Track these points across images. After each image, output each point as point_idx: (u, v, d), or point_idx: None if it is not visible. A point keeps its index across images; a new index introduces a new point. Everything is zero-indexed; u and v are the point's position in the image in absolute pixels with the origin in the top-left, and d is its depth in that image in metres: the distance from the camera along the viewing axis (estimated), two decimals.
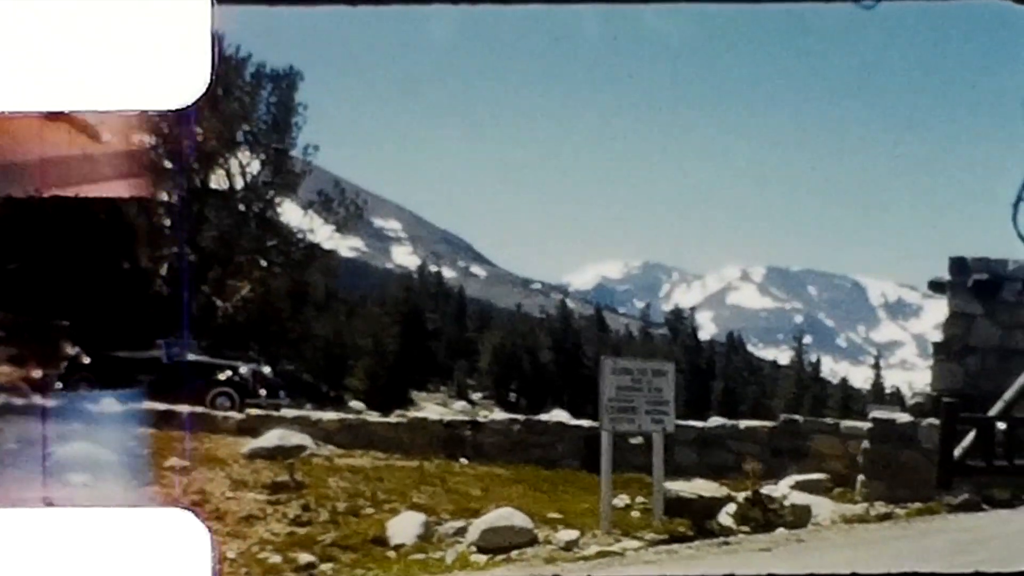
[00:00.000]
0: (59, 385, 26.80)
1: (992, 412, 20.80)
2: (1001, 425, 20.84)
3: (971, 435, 20.06)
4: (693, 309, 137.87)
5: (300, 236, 44.75)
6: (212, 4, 2.26)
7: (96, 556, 2.34)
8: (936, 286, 24.54)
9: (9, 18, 2.24)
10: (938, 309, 25.20)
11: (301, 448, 19.32)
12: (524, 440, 22.48)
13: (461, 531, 15.05)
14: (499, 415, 29.40)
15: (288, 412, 24.86)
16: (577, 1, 2.54)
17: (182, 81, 2.27)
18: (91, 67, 2.26)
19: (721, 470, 20.53)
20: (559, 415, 27.16)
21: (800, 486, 18.97)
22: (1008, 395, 21.21)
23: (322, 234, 45.52)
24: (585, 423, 22.80)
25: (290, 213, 45.64)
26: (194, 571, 2.35)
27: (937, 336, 24.72)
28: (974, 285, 23.11)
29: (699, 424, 23.43)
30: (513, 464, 21.28)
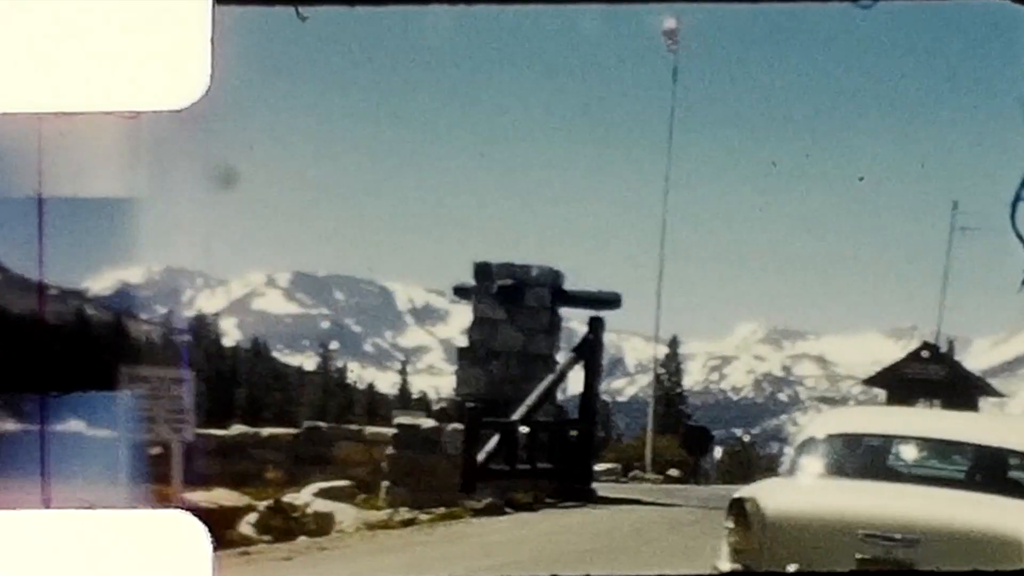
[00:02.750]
0: None
1: (515, 416, 21.95)
2: (524, 429, 22.09)
3: (494, 439, 21.10)
4: (217, 315, 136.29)
5: None
6: (212, 5, 2.30)
7: (96, 558, 2.39)
8: (461, 291, 25.52)
9: (10, 18, 2.25)
10: (464, 314, 26.13)
11: None
12: None
13: None
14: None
15: None
16: (578, 1, 2.52)
17: (183, 82, 2.32)
18: (92, 68, 2.29)
19: (244, 479, 20.35)
20: (76, 426, 25.92)
21: (323, 493, 19.15)
22: (530, 399, 22.47)
23: None
24: (103, 433, 21.87)
25: None
26: (194, 572, 2.42)
27: (462, 341, 25.68)
28: (498, 291, 24.17)
29: (220, 432, 23.13)
30: None
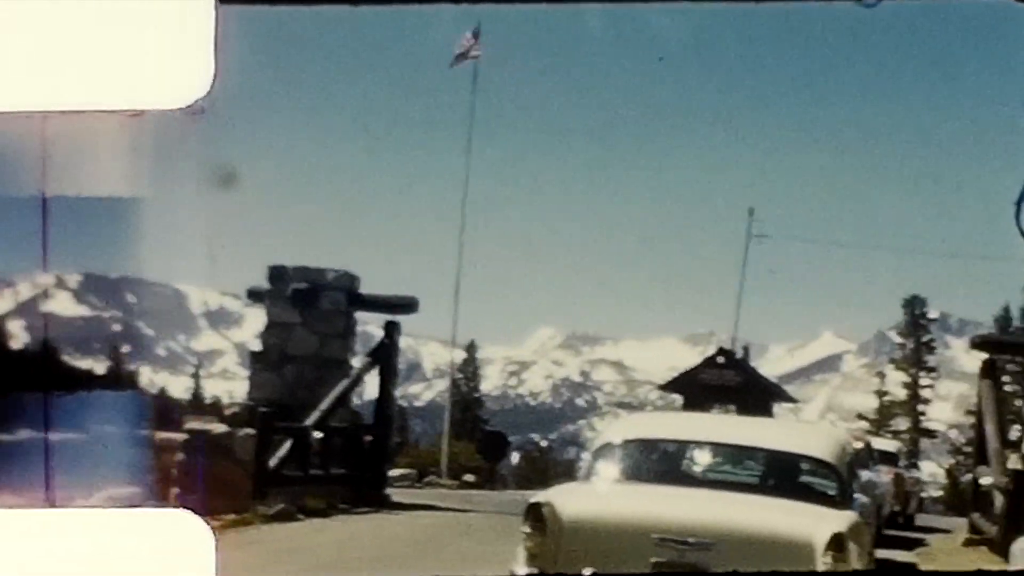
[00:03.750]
0: None
1: (308, 421, 21.74)
2: (317, 434, 21.90)
3: (287, 445, 20.85)
4: (4, 317, 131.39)
5: None
6: (216, 4, 2.34)
7: (101, 556, 2.41)
8: (255, 295, 25.17)
9: (14, 18, 2.27)
10: (259, 318, 25.80)
11: None
12: None
13: None
14: None
15: None
16: (578, 1, 2.51)
17: (186, 80, 2.36)
18: (96, 67, 2.30)
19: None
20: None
21: (111, 500, 18.57)
22: (324, 404, 22.29)
23: None
24: None
25: None
26: (198, 571, 2.49)
27: (256, 345, 25.32)
28: (293, 294, 23.92)
29: (6, 438, 22.23)
30: None
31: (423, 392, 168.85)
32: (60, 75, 2.34)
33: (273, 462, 20.25)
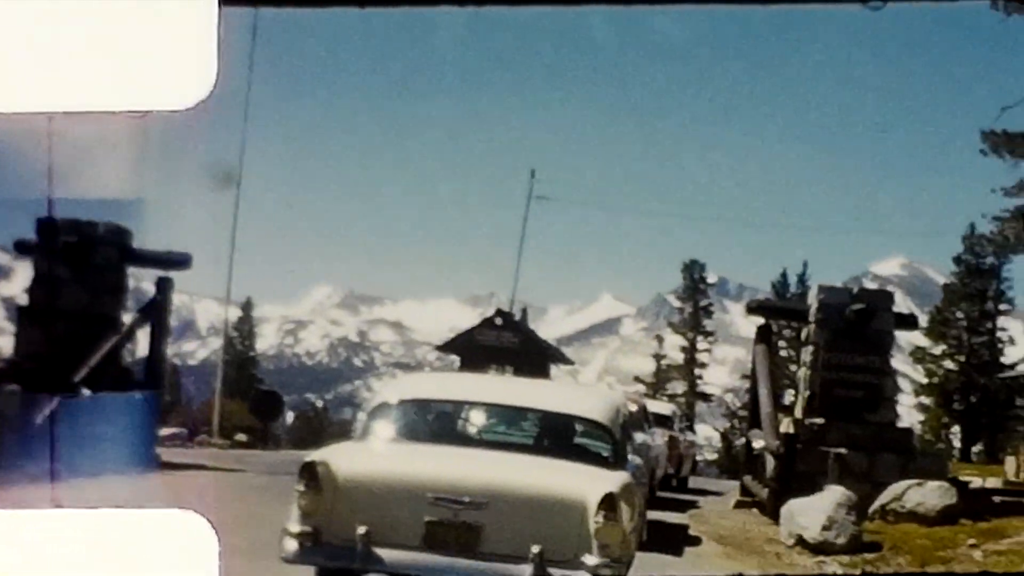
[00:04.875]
0: None
1: (76, 378, 21.30)
2: (86, 392, 21.45)
3: (54, 402, 20.37)
4: None
5: None
6: (219, 6, 2.37)
7: (103, 556, 2.47)
8: (23, 247, 24.44)
9: (18, 19, 2.30)
10: (27, 272, 25.11)
11: None
12: None
13: None
14: None
15: None
16: (581, 2, 2.53)
17: (189, 81, 2.40)
18: (100, 68, 2.34)
19: None
20: None
21: None
22: (93, 361, 21.86)
23: None
24: None
25: None
26: (201, 571, 2.53)
27: (24, 300, 24.65)
28: (63, 248, 23.34)
29: None
30: None
31: (197, 350, 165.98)
32: (64, 76, 2.37)
33: (39, 420, 19.81)
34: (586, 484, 9.95)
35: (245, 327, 69.21)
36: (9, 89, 2.31)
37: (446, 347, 41.85)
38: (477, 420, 11.55)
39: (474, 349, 37.08)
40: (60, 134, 2.62)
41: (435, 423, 11.31)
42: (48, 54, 2.35)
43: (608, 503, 9.72)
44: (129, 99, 2.38)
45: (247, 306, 70.94)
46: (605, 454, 10.97)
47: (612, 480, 10.20)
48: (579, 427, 11.41)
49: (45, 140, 2.64)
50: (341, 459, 10.10)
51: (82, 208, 22.58)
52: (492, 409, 11.58)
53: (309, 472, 9.78)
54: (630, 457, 11.85)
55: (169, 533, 2.55)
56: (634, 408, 20.98)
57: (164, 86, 2.40)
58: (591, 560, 9.51)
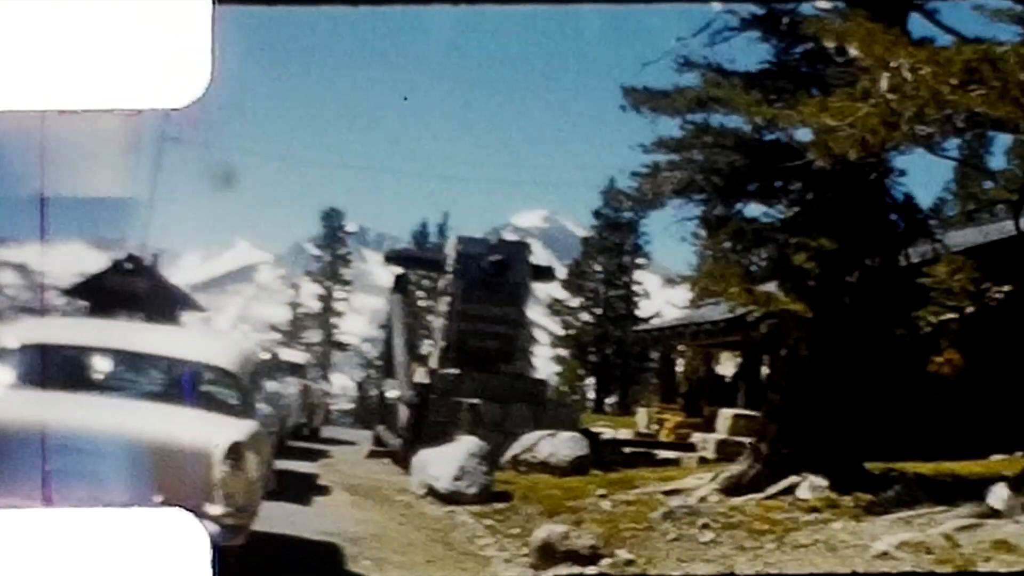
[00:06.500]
0: None
1: None
2: None
3: None
4: None
5: None
6: (213, 4, 2.42)
7: (96, 556, 2.56)
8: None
9: (11, 18, 2.35)
10: None
11: None
12: None
13: None
14: None
15: None
16: (578, 1, 2.52)
17: (184, 80, 2.47)
18: (94, 66, 2.40)
19: None
20: None
21: None
22: None
23: None
24: None
25: None
26: (193, 570, 2.60)
27: None
28: None
29: None
30: None
31: None
32: (58, 75, 2.41)
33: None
34: (211, 432, 10.13)
35: None
36: (2, 87, 2.38)
37: (74, 292, 40.60)
38: (103, 367, 11.54)
39: (103, 294, 36.17)
40: (54, 132, 2.70)
41: (59, 369, 11.21)
42: (42, 52, 2.42)
43: (233, 452, 9.95)
44: (123, 98, 2.49)
45: None
46: (233, 402, 11.19)
47: (239, 429, 10.43)
48: (207, 375, 11.56)
49: (38, 138, 2.73)
50: None
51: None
52: (119, 355, 11.59)
53: None
54: (259, 406, 12.13)
55: (159, 531, 2.68)
56: (265, 356, 21.21)
57: (159, 85, 2.51)
58: (215, 510, 9.72)
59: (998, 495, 14.51)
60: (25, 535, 2.69)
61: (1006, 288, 14.27)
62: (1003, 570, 12.25)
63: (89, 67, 2.54)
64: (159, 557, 2.69)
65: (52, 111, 2.54)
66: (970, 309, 14.20)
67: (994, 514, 14.19)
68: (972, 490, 15.23)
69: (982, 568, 12.31)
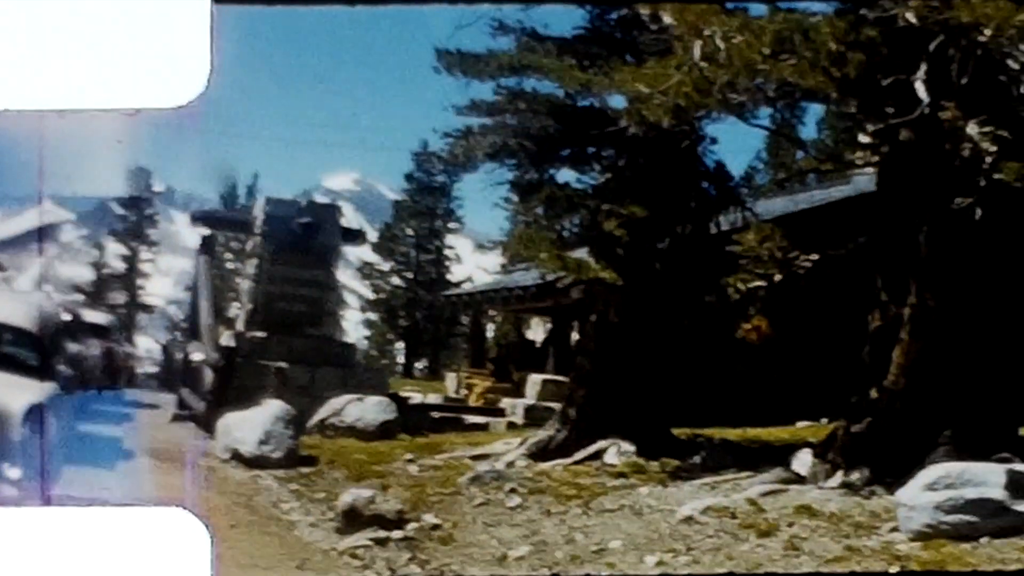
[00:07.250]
0: None
1: None
2: None
3: None
4: None
5: None
6: (212, 4, 2.65)
7: (96, 554, 2.91)
8: None
9: (11, 17, 2.64)
10: None
11: None
12: None
13: None
14: None
15: None
16: (577, 1, 2.24)
17: (183, 79, 2.74)
18: (93, 66, 2.71)
19: None
20: None
21: None
22: None
23: None
24: None
25: None
26: (193, 568, 2.90)
27: None
28: None
29: None
30: None
31: None
32: (57, 74, 2.30)
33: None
34: (10, 394, 9.82)
35: None
36: (1, 87, 2.27)
37: None
38: None
39: None
40: (52, 132, 2.58)
41: None
42: (40, 52, 2.36)
43: (33, 414, 9.66)
44: (122, 97, 2.39)
45: None
46: (33, 363, 10.86)
47: (39, 391, 10.14)
48: (6, 336, 11.21)
49: (37, 137, 2.61)
50: None
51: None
52: None
53: None
54: (60, 368, 11.77)
55: (160, 530, 2.62)
56: (67, 317, 20.58)
57: (158, 84, 2.43)
58: (15, 473, 9.42)
59: (802, 461, 14.85)
60: (25, 535, 2.71)
61: (814, 256, 14.53)
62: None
63: (89, 67, 2.58)
64: (159, 557, 2.82)
65: (50, 111, 2.55)
66: (778, 277, 14.43)
67: (798, 479, 14.53)
68: (777, 456, 15.58)
69: (784, 531, 12.55)
